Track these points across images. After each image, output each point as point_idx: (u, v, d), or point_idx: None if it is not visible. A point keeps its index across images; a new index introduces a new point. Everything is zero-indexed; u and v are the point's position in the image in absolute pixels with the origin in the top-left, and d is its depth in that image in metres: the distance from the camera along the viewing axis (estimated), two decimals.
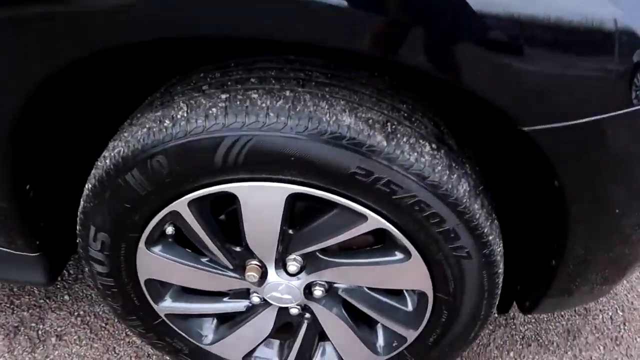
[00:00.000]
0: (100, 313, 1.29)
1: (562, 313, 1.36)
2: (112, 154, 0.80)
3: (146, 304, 1.01)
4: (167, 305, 1.02)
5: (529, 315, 1.33)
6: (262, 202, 0.80)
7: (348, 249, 0.92)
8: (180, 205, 0.82)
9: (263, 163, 0.75)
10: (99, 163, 0.84)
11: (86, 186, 0.86)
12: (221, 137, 0.72)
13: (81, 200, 0.88)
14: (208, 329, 1.09)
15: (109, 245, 0.89)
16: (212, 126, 0.72)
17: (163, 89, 0.85)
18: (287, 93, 0.74)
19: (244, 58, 0.82)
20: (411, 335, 0.98)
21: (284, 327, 1.07)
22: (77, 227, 0.91)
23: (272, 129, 0.71)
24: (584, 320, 1.35)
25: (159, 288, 1.00)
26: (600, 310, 1.37)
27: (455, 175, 0.77)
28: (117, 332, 1.26)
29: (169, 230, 0.91)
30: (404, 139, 0.74)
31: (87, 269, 0.97)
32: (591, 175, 0.76)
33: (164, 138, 0.75)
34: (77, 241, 0.93)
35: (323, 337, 1.08)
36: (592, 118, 0.67)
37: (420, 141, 0.76)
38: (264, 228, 0.85)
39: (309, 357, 1.09)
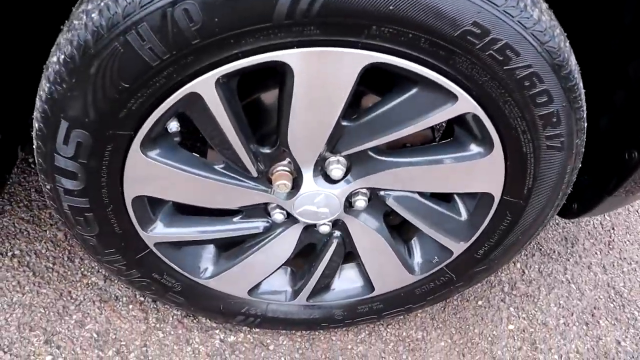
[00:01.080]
0: (43, 251, 1.00)
1: (558, 221, 1.32)
2: (102, 4, 0.53)
3: (130, 232, 0.76)
4: (159, 232, 0.78)
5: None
6: (326, 76, 0.59)
7: (404, 148, 0.75)
8: (206, 84, 0.58)
9: (345, 15, 0.53)
10: (75, 21, 0.56)
11: (53, 59, 0.58)
12: None
13: (43, 83, 0.60)
14: (207, 259, 0.87)
15: (89, 148, 0.63)
16: None
17: None
18: None
19: None
20: (459, 248, 0.85)
21: (302, 250, 0.89)
22: (36, 126, 0.63)
23: None
24: (577, 227, 1.32)
25: (148, 209, 0.76)
26: (589, 218, 1.36)
27: (568, 43, 0.62)
28: (69, 273, 0.99)
29: (173, 126, 0.67)
30: None
31: (45, 187, 0.70)
32: None
33: None
34: (35, 145, 0.65)
35: (346, 258, 0.91)
36: None
37: None
38: (317, 115, 0.63)
39: (328, 285, 0.93)
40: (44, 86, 0.60)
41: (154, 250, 0.81)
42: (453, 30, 0.54)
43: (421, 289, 0.92)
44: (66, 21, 0.58)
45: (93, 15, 0.53)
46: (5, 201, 1.09)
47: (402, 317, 1.05)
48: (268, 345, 0.99)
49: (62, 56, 0.56)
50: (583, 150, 0.73)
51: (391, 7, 0.52)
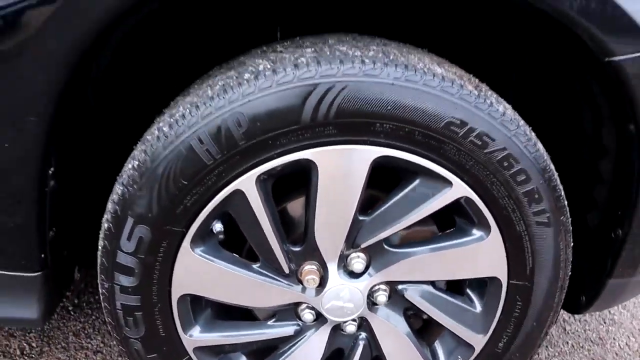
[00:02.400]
0: None
1: (582, 344, 1.32)
2: (172, 120, 0.71)
3: (173, 334, 0.83)
4: (197, 336, 0.85)
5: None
6: (345, 168, 0.73)
7: (415, 241, 0.86)
8: (248, 181, 0.73)
9: (355, 116, 0.70)
10: (148, 136, 0.73)
11: (127, 167, 0.74)
12: (314, 85, 0.68)
13: (116, 187, 0.75)
14: None
15: (148, 243, 0.75)
16: (304, 73, 0.68)
17: (220, 65, 0.80)
18: (374, 47, 0.73)
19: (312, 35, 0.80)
20: (479, 341, 0.89)
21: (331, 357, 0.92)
22: (105, 227, 0.76)
23: (369, 74, 0.68)
24: (603, 348, 1.32)
25: (190, 312, 0.84)
26: (613, 339, 1.36)
27: (534, 133, 0.78)
28: None
29: (217, 227, 0.79)
30: (489, 92, 0.75)
31: (102, 288, 0.79)
32: None
33: (244, 91, 0.68)
34: (101, 246, 0.77)
35: None
36: None
37: (500, 97, 0.76)
38: (338, 209, 0.76)
39: None
40: (117, 189, 0.74)
41: (193, 356, 0.86)
42: (438, 123, 0.71)
43: None
44: (139, 141, 0.76)
45: (164, 128, 0.71)
46: (44, 343, 1.15)
47: None
48: None
49: (136, 163, 0.72)
50: (571, 227, 0.83)
51: (389, 107, 0.69)
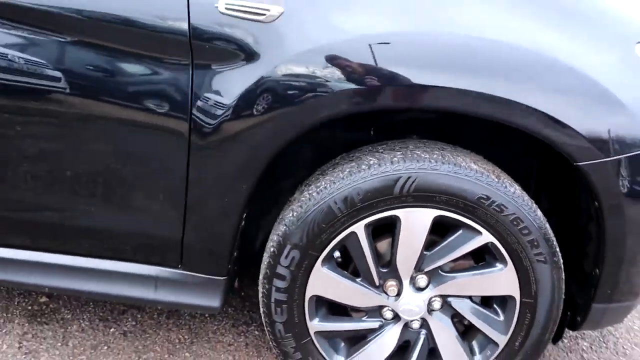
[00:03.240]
0: None
1: None
2: (318, 189, 1.23)
3: (302, 321, 1.33)
4: (317, 324, 1.34)
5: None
6: (417, 222, 1.23)
7: (459, 269, 1.33)
8: (359, 227, 1.24)
9: (423, 192, 1.20)
10: (302, 198, 1.25)
11: (290, 215, 1.26)
12: (402, 174, 1.19)
13: (281, 226, 1.27)
14: (341, 350, 1.39)
15: (297, 261, 1.26)
16: (396, 167, 1.19)
17: (343, 156, 1.32)
18: (437, 152, 1.24)
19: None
20: (502, 340, 1.33)
21: (396, 352, 1.39)
22: (271, 250, 1.28)
23: (433, 169, 1.19)
24: None
25: (314, 307, 1.33)
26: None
27: (534, 204, 1.25)
28: None
29: (336, 254, 1.30)
30: (506, 179, 1.24)
31: (263, 288, 1.30)
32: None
33: (362, 176, 1.20)
34: (267, 262, 1.29)
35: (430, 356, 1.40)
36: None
37: (514, 183, 1.25)
38: (412, 247, 1.26)
39: None
40: (280, 228, 1.26)
41: (313, 338, 1.34)
42: (473, 197, 1.20)
43: None
44: (293, 201, 1.28)
45: (314, 194, 1.23)
46: (192, 335, 1.66)
47: None
48: None
49: (295, 213, 1.24)
50: (562, 265, 1.28)
51: (444, 188, 1.19)
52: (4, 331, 1.67)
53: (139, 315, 1.79)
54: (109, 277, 1.36)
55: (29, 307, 1.81)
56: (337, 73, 1.12)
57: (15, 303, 1.82)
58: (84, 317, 1.76)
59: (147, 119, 1.19)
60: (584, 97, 1.15)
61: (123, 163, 1.25)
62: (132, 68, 1.18)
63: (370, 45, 1.11)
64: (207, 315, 1.79)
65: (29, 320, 1.73)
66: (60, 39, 1.17)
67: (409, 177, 1.19)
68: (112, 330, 1.72)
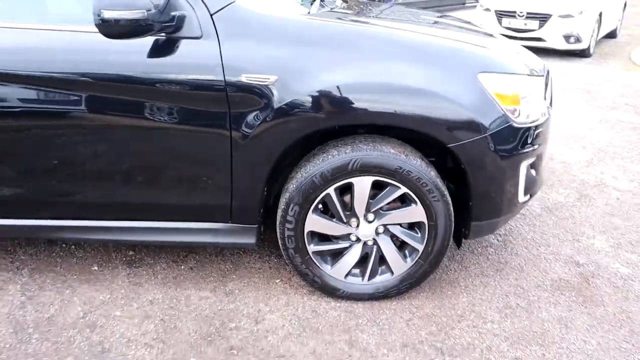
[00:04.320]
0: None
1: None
2: (310, 164, 2.15)
3: (304, 246, 2.28)
4: (313, 247, 2.29)
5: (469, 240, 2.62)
6: (363, 185, 2.16)
7: (392, 209, 2.27)
8: (331, 190, 2.16)
9: (364, 167, 2.12)
10: (300, 173, 2.17)
11: (292, 186, 2.18)
12: (350, 159, 2.10)
13: (287, 193, 2.19)
14: (328, 261, 2.35)
15: (298, 212, 2.19)
16: (348, 155, 2.11)
17: (316, 148, 2.23)
18: (371, 144, 2.15)
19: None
20: (420, 248, 2.29)
21: (360, 260, 2.34)
22: (282, 207, 2.21)
23: (368, 154, 2.11)
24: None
25: (310, 237, 2.28)
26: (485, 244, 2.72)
27: (430, 168, 2.18)
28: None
29: (320, 206, 2.24)
30: (411, 156, 2.16)
31: (279, 229, 2.24)
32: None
33: (330, 161, 2.12)
34: (280, 214, 2.22)
35: (381, 261, 2.36)
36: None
37: (417, 157, 2.18)
38: (362, 199, 2.19)
39: (375, 272, 2.35)
40: (286, 195, 2.20)
41: (311, 255, 2.30)
42: (392, 168, 2.13)
43: (411, 272, 2.34)
44: (293, 176, 2.21)
45: (307, 168, 2.15)
46: (235, 266, 2.63)
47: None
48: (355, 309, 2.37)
49: (295, 185, 2.17)
50: (450, 201, 2.22)
51: (375, 163, 2.12)
52: (114, 274, 2.63)
53: (197, 257, 2.75)
54: (187, 232, 2.31)
55: (124, 258, 2.77)
56: (312, 106, 2.02)
57: (113, 256, 2.78)
58: (161, 260, 2.73)
59: (210, 133, 2.08)
60: (445, 109, 2.06)
61: (197, 161, 2.16)
62: (206, 109, 2.07)
63: (329, 90, 2.00)
64: (243, 251, 2.76)
65: (128, 265, 2.69)
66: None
67: (355, 160, 2.11)
68: (182, 267, 2.68)
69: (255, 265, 2.69)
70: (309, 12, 2.41)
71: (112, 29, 1.82)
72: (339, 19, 2.42)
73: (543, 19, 8.06)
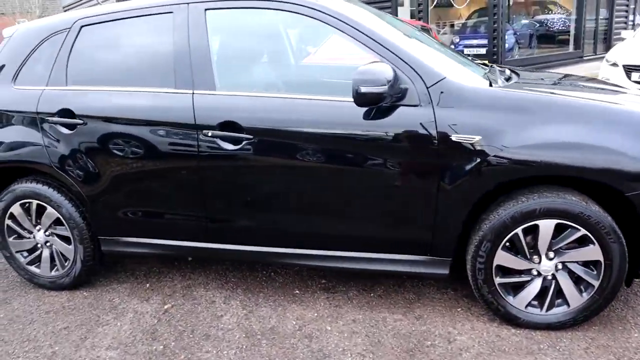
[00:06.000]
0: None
1: None
2: (500, 213, 2.59)
3: (491, 278, 2.68)
4: (499, 279, 2.69)
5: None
6: (547, 227, 2.55)
7: (570, 248, 2.63)
8: (519, 230, 2.57)
9: (549, 212, 2.52)
10: (494, 218, 2.61)
11: (485, 225, 2.62)
12: (537, 207, 2.52)
13: (480, 232, 2.63)
14: (510, 292, 2.73)
15: (489, 248, 2.62)
16: (534, 202, 2.53)
17: (504, 195, 2.67)
18: (554, 193, 2.56)
19: None
20: (596, 283, 2.61)
21: (540, 292, 2.70)
22: (475, 243, 2.65)
23: (552, 202, 2.51)
24: None
25: (497, 270, 2.68)
26: None
27: (607, 214, 2.54)
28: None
29: (507, 245, 2.65)
30: (590, 203, 2.53)
31: (471, 263, 2.67)
32: None
33: (520, 206, 2.55)
34: (473, 250, 2.66)
35: (558, 294, 2.70)
36: None
37: (596, 205, 2.55)
38: (545, 239, 2.58)
39: (553, 304, 2.69)
40: (479, 233, 2.64)
41: (497, 287, 2.70)
42: (574, 213, 2.51)
43: (586, 305, 2.66)
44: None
45: (496, 215, 2.59)
46: (418, 295, 3.07)
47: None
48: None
49: (488, 224, 2.61)
50: (625, 243, 2.55)
51: (558, 209, 2.52)
52: (315, 297, 3.17)
53: (382, 286, 3.24)
54: (389, 262, 2.81)
55: (319, 285, 3.32)
56: (511, 160, 2.48)
57: (309, 283, 3.34)
58: (352, 288, 3.25)
59: (420, 180, 2.60)
60: (625, 162, 2.45)
61: (407, 204, 2.69)
62: (419, 161, 2.62)
63: (527, 147, 2.46)
64: (422, 283, 3.21)
65: (325, 290, 3.23)
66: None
67: (543, 206, 2.52)
68: (372, 294, 3.18)
69: (435, 296, 3.13)
70: (495, 84, 2.89)
71: (362, 99, 2.45)
72: (528, 89, 2.82)
73: None
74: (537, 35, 11.48)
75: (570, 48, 11.42)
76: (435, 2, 10.06)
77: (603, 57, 9.10)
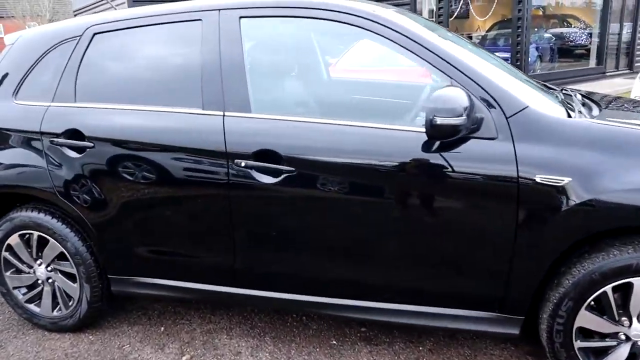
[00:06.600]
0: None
1: None
2: (585, 267, 2.19)
3: (570, 341, 2.28)
4: (579, 343, 2.29)
5: None
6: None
7: None
8: (608, 288, 2.17)
9: None
10: (578, 273, 2.21)
11: (566, 281, 2.22)
12: (635, 262, 2.12)
13: (560, 288, 2.23)
14: (591, 357, 2.32)
15: (570, 307, 2.22)
16: (631, 256, 2.13)
17: (590, 246, 2.27)
18: None
19: None
20: None
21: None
22: (554, 301, 2.25)
23: None
24: None
25: (577, 333, 2.28)
26: None
27: None
28: None
29: (592, 304, 2.25)
30: None
31: (547, 323, 2.27)
32: None
33: (611, 260, 2.15)
34: (551, 308, 2.26)
35: None
36: None
37: None
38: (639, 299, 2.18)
39: None
40: (559, 289, 2.23)
41: (576, 351, 2.29)
42: None
43: None
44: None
45: (581, 269, 2.20)
46: (476, 350, 2.67)
47: None
48: None
49: (570, 280, 2.21)
50: None
51: None
52: (355, 349, 2.77)
53: (432, 338, 2.84)
54: (449, 318, 2.40)
55: (358, 334, 2.92)
56: (605, 207, 2.09)
57: (347, 331, 2.93)
58: (397, 339, 2.84)
59: (495, 225, 2.20)
60: None
61: (477, 254, 2.29)
62: (494, 202, 2.22)
63: (627, 193, 2.05)
64: (476, 336, 2.80)
65: (366, 341, 2.83)
66: None
67: (639, 262, 2.12)
68: (420, 348, 2.77)
69: (494, 352, 2.72)
70: (574, 112, 2.50)
71: (437, 131, 2.05)
72: (622, 121, 2.41)
73: None
74: (557, 49, 11.12)
75: (592, 63, 11.04)
76: (455, 14, 9.70)
77: (626, 73, 8.72)
